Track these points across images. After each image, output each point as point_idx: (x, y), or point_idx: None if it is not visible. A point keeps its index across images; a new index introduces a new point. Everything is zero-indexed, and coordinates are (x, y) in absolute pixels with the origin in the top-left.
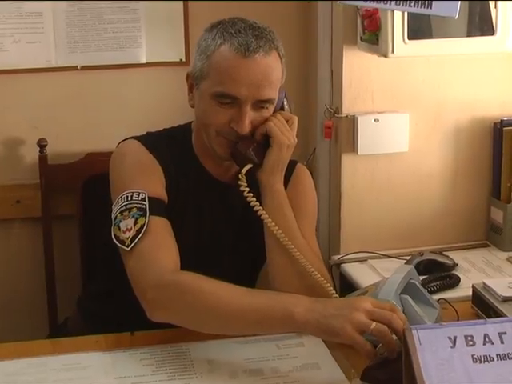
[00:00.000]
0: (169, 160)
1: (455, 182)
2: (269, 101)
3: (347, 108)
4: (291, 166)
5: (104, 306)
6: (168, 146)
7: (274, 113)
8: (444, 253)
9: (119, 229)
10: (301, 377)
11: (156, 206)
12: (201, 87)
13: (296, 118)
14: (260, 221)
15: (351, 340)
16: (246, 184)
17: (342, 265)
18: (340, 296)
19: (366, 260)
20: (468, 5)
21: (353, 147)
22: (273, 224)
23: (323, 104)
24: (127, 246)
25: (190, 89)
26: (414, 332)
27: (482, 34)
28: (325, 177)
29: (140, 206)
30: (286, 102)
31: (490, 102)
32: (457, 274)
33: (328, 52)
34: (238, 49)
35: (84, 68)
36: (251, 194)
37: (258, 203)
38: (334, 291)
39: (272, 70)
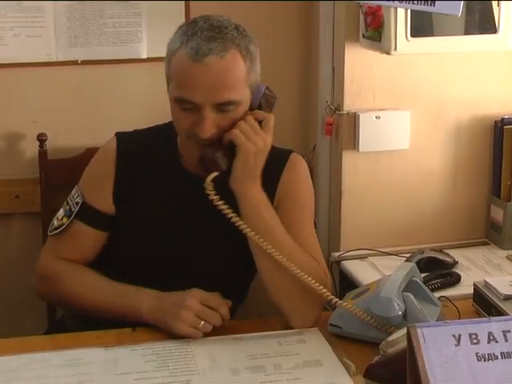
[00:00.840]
0: (142, 160)
1: (455, 179)
2: (229, 103)
3: (348, 105)
4: (285, 157)
5: None
6: (149, 144)
7: (248, 111)
8: (444, 250)
9: (57, 212)
10: (303, 373)
11: (86, 214)
12: (168, 90)
13: (272, 118)
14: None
15: (185, 335)
16: (214, 192)
17: (342, 262)
18: (340, 294)
19: (366, 257)
20: (466, 3)
21: (354, 144)
22: (249, 230)
23: (324, 100)
24: (49, 232)
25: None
26: (419, 330)
27: (485, 32)
28: (325, 174)
29: (72, 207)
30: (264, 99)
31: (491, 100)
32: (457, 271)
33: (329, 48)
34: (189, 53)
35: (84, 63)
36: (222, 202)
37: (230, 210)
38: (325, 291)
39: (227, 71)
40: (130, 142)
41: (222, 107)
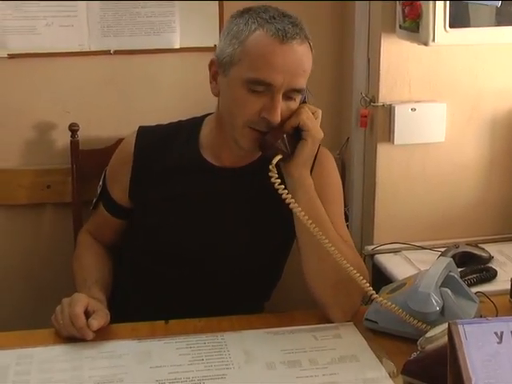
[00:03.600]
0: (161, 154)
1: (491, 173)
2: (300, 90)
3: (384, 97)
4: None
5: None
6: (170, 138)
7: (302, 104)
8: (479, 245)
9: None
10: (339, 369)
11: (105, 199)
12: (231, 74)
13: (320, 112)
14: (265, 211)
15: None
16: (276, 175)
17: (376, 255)
18: (373, 288)
19: (399, 251)
20: None
21: (389, 137)
22: (306, 218)
23: (359, 92)
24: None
25: (214, 77)
26: (460, 327)
27: None
28: (359, 166)
29: (99, 188)
30: (308, 95)
31: None
32: (493, 266)
33: (365, 39)
34: (275, 34)
35: (117, 52)
36: (282, 186)
37: (289, 196)
38: (368, 285)
39: (307, 58)
40: (150, 136)
41: (291, 94)
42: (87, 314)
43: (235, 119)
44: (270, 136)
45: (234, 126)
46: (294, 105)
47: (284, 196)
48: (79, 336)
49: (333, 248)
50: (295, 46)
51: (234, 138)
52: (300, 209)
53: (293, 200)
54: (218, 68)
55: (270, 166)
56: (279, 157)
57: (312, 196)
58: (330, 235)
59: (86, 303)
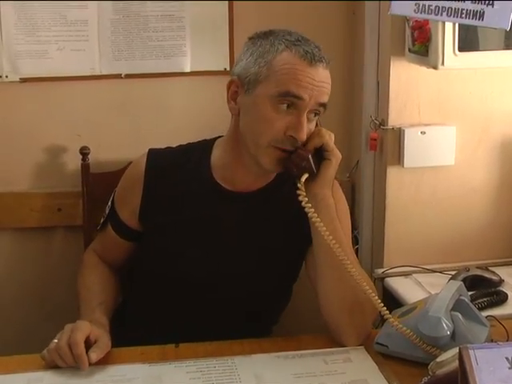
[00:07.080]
0: (172, 177)
1: (501, 195)
2: (324, 105)
3: (393, 120)
4: None
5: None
6: (180, 161)
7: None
8: (490, 268)
9: None
10: None
11: (114, 221)
12: (256, 92)
13: (333, 135)
14: (276, 236)
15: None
16: (304, 193)
17: (386, 279)
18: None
19: (410, 274)
20: None
21: (398, 160)
22: (330, 238)
23: (368, 115)
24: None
25: (233, 96)
26: (471, 352)
27: None
28: (369, 189)
29: (107, 208)
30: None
31: None
32: (503, 290)
33: (374, 63)
34: (303, 56)
35: (128, 76)
36: (310, 205)
37: (315, 214)
38: (382, 305)
39: (328, 81)
40: (160, 158)
41: (316, 109)
42: (89, 342)
43: (260, 138)
44: (296, 155)
45: (258, 145)
46: (312, 126)
47: (310, 215)
48: (74, 365)
49: (354, 269)
50: (320, 69)
51: (256, 157)
52: (325, 228)
53: (318, 219)
54: (240, 87)
55: (299, 185)
56: (306, 175)
57: (334, 217)
58: (350, 257)
59: (89, 331)
